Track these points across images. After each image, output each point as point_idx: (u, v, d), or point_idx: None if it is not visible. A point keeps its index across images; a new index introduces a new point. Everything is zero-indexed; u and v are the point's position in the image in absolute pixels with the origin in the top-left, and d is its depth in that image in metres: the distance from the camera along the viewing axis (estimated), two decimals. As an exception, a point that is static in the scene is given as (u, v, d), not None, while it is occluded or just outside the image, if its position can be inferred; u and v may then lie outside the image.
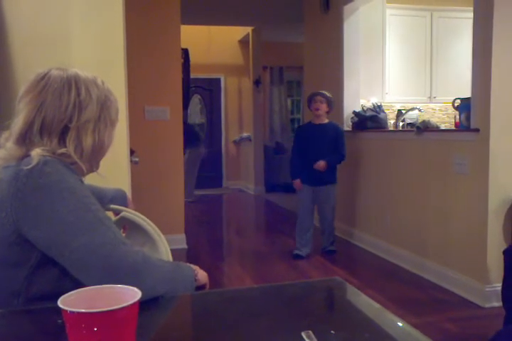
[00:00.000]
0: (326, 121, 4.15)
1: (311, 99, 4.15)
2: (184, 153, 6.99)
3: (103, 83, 1.16)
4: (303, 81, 6.51)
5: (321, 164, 4.01)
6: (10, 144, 1.07)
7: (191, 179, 7.46)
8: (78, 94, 1.09)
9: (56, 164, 1.02)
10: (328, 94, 4.12)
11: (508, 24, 2.89)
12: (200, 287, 1.19)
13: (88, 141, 1.10)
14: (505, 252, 2.36)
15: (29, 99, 1.07)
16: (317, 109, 4.08)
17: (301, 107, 9.05)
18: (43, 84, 1.08)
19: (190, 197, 7.42)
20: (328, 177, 4.12)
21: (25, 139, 1.07)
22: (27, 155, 1.03)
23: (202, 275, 1.19)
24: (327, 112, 4.13)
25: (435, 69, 5.22)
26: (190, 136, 7.23)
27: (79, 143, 1.09)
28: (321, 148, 4.06)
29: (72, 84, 1.09)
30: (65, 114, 1.07)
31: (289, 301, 1.08)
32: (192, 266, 1.22)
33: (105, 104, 1.14)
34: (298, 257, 4.12)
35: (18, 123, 1.07)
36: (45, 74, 1.09)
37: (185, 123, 7.52)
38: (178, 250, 4.20)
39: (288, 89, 9.05)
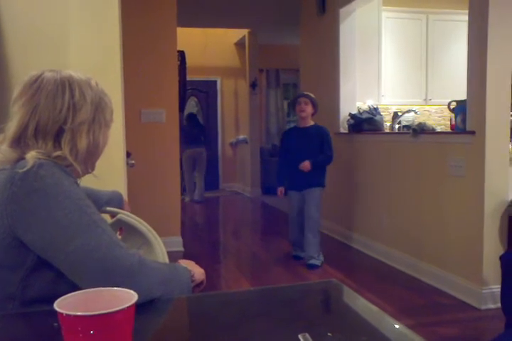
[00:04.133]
0: (312, 123, 4.04)
1: (295, 101, 4.04)
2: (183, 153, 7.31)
3: (97, 84, 1.16)
4: (299, 83, 6.52)
5: (305, 164, 3.88)
6: (5, 147, 1.07)
7: (201, 178, 7.74)
8: (72, 96, 1.08)
9: (51, 167, 1.02)
10: (312, 95, 4.02)
11: (503, 27, 2.91)
12: (198, 284, 1.19)
13: (83, 143, 1.09)
14: (501, 258, 2.36)
15: (23, 101, 1.07)
16: (302, 111, 3.96)
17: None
18: (36, 86, 1.07)
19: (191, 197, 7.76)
20: (315, 180, 3.96)
21: (19, 142, 1.06)
22: (22, 158, 1.03)
23: (198, 274, 1.19)
24: (312, 114, 4.02)
25: (431, 71, 5.23)
26: (190, 134, 7.48)
27: (74, 145, 1.08)
28: (307, 152, 3.93)
29: (65, 85, 1.09)
30: (59, 116, 1.07)
31: (286, 303, 1.08)
32: (188, 262, 1.22)
33: (99, 106, 1.14)
34: (298, 258, 4.10)
35: (12, 126, 1.07)
36: (39, 77, 1.09)
37: (195, 118, 7.73)
38: (174, 252, 4.19)
39: (284, 92, 9.06)
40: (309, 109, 3.97)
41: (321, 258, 3.99)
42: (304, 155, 3.94)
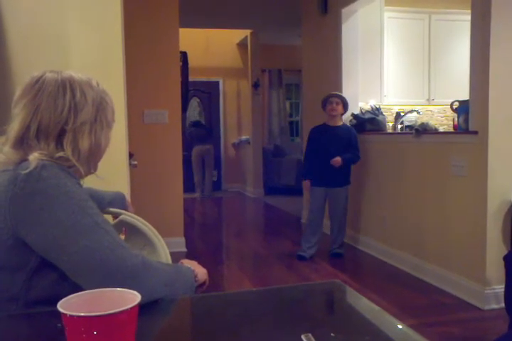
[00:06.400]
0: (341, 123, 4.20)
1: (326, 101, 4.16)
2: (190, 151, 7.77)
3: (98, 84, 1.16)
4: (301, 84, 6.52)
5: (337, 159, 4.01)
6: (7, 148, 1.07)
7: (208, 175, 8.22)
8: (73, 97, 1.08)
9: (53, 168, 1.02)
10: (342, 95, 4.18)
11: (506, 26, 2.90)
12: (200, 284, 1.19)
13: (85, 143, 1.09)
14: (505, 258, 2.35)
15: (24, 103, 1.07)
16: (333, 110, 4.10)
17: (299, 110, 9.07)
18: (37, 87, 1.07)
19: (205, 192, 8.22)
20: (342, 179, 4.14)
21: (22, 143, 1.06)
22: (25, 160, 1.03)
23: (201, 273, 1.19)
24: (341, 114, 4.17)
25: (433, 71, 5.23)
26: (197, 134, 8.08)
27: (76, 146, 1.08)
28: (336, 150, 4.07)
29: (66, 86, 1.09)
30: (60, 117, 1.07)
31: (289, 304, 1.08)
32: (191, 262, 1.22)
33: (101, 106, 1.14)
34: (301, 258, 4.11)
35: (14, 127, 1.07)
36: (40, 78, 1.09)
37: (201, 125, 8.24)
38: (177, 253, 4.20)
39: (286, 92, 9.06)
40: (340, 108, 4.12)
41: (343, 248, 4.28)
42: (333, 153, 4.07)
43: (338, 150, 4.07)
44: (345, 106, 4.14)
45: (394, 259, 3.98)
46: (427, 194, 3.57)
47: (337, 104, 4.09)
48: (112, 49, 2.10)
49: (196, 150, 8.03)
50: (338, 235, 4.24)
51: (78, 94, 1.09)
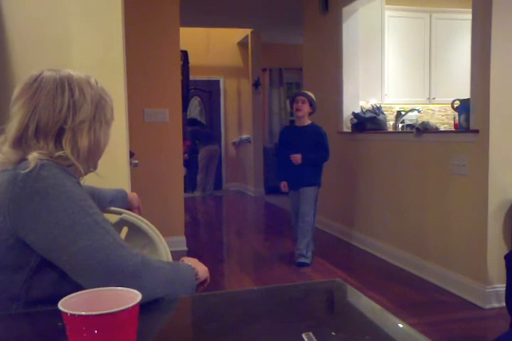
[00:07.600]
0: (308, 122, 4.01)
1: (292, 100, 3.99)
2: (198, 151, 7.91)
3: (97, 82, 1.15)
4: (302, 83, 6.52)
5: (296, 156, 3.87)
6: (6, 148, 1.06)
7: (211, 174, 8.22)
8: (72, 95, 1.08)
9: (53, 168, 1.01)
10: (310, 94, 3.97)
11: (507, 25, 2.90)
12: (201, 282, 1.19)
13: (84, 142, 1.09)
14: (506, 257, 2.35)
15: (23, 102, 1.06)
16: (298, 110, 3.94)
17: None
18: (35, 86, 1.07)
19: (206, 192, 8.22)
20: (309, 179, 3.95)
21: (21, 143, 1.06)
22: (24, 159, 1.03)
23: (202, 271, 1.19)
24: (310, 113, 3.98)
25: (434, 70, 5.22)
26: (204, 134, 8.11)
27: (75, 144, 1.08)
28: (302, 151, 3.91)
29: (65, 85, 1.08)
30: (59, 116, 1.06)
31: (290, 303, 1.08)
32: (192, 260, 1.22)
33: (100, 104, 1.13)
34: (301, 265, 3.99)
35: (13, 127, 1.06)
36: (38, 76, 1.09)
37: (198, 122, 8.19)
38: (178, 252, 4.20)
39: (287, 91, 9.05)
40: (306, 107, 3.93)
41: (309, 255, 3.98)
42: (300, 153, 3.92)
43: (306, 150, 3.91)
44: (312, 105, 3.93)
45: (395, 258, 3.98)
46: (428, 193, 3.57)
47: (302, 102, 3.90)
48: (113, 48, 2.10)
49: (205, 150, 8.00)
50: (301, 242, 3.94)
51: (77, 93, 1.09)
